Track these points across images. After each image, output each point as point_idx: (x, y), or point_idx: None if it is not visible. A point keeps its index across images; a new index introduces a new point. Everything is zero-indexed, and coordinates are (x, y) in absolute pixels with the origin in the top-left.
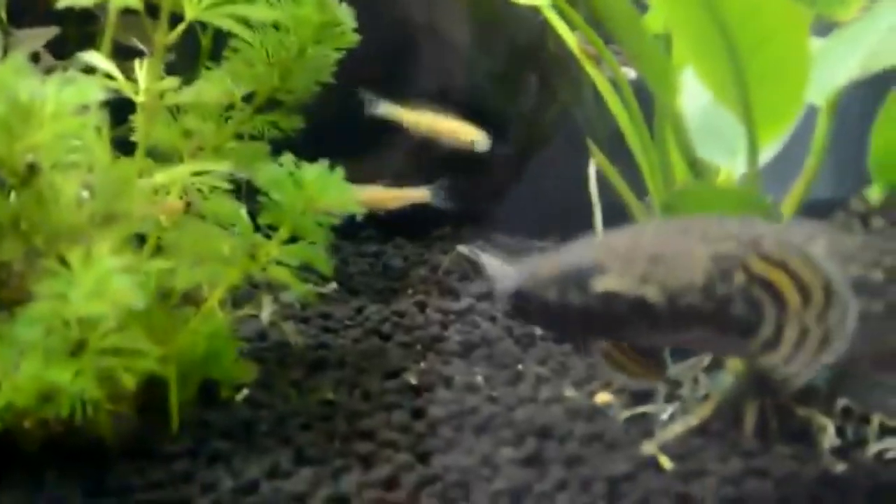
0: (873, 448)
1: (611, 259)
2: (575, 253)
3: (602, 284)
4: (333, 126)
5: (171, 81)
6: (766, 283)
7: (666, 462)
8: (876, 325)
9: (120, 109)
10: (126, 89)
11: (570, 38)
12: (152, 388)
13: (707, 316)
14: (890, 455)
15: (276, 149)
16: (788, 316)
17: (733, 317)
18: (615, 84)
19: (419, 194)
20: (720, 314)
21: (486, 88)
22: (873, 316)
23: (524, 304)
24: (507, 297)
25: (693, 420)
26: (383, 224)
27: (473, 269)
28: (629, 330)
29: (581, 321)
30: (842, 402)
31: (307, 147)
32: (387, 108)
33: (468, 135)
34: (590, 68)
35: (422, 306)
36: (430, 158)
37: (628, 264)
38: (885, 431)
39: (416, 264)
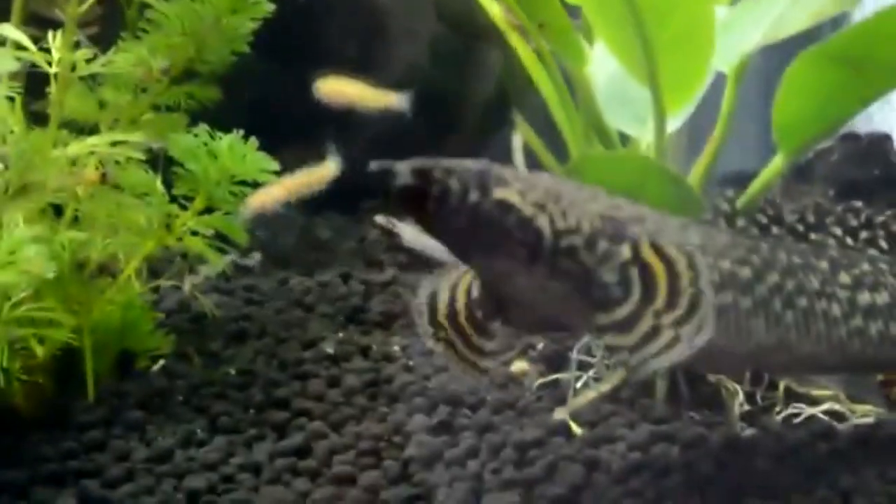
0: (781, 412)
1: (514, 178)
2: (483, 163)
3: (501, 193)
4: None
5: (85, 52)
6: (645, 271)
7: (576, 428)
8: (744, 320)
9: (35, 81)
10: (39, 60)
11: (495, 9)
12: (68, 358)
13: (578, 269)
14: (797, 420)
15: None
16: (650, 310)
17: (601, 283)
18: (540, 54)
19: (323, 172)
20: (591, 274)
21: (420, 62)
22: (742, 311)
23: (420, 191)
24: (408, 178)
25: (605, 387)
26: (313, 197)
27: (392, 240)
28: (507, 254)
29: (468, 225)
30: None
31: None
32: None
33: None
34: (514, 39)
35: (346, 277)
36: (359, 137)
37: (529, 189)
38: (791, 396)
39: (344, 237)
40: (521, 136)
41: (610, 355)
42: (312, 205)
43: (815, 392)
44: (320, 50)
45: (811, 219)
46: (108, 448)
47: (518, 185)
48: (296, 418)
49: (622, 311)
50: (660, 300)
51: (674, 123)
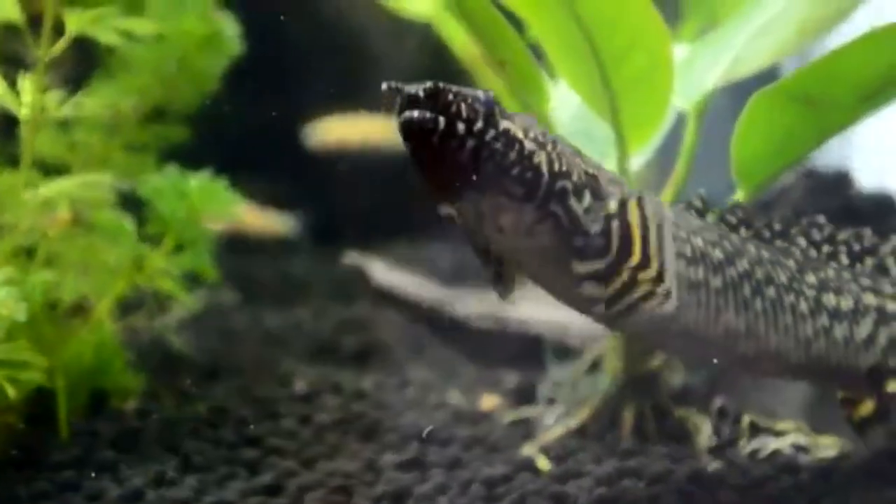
0: (746, 446)
1: (515, 117)
2: (490, 93)
3: (507, 125)
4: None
5: (55, 95)
6: (628, 228)
7: (544, 463)
8: (713, 299)
9: (7, 123)
10: (8, 102)
11: (472, 49)
12: (41, 398)
13: (565, 216)
14: (761, 453)
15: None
16: (628, 265)
17: (585, 232)
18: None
19: (277, 225)
20: (576, 222)
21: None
22: (712, 289)
23: (426, 118)
24: (418, 99)
25: (572, 422)
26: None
27: (360, 277)
28: (502, 190)
29: (470, 155)
30: (718, 401)
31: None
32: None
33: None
34: (492, 77)
35: (318, 313)
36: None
37: (530, 127)
38: (756, 430)
39: (317, 272)
40: None
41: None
42: (286, 241)
43: (780, 426)
44: (294, 84)
45: (777, 227)
46: (81, 488)
47: (519, 120)
48: (267, 456)
49: (601, 263)
50: (637, 256)
51: (637, 161)
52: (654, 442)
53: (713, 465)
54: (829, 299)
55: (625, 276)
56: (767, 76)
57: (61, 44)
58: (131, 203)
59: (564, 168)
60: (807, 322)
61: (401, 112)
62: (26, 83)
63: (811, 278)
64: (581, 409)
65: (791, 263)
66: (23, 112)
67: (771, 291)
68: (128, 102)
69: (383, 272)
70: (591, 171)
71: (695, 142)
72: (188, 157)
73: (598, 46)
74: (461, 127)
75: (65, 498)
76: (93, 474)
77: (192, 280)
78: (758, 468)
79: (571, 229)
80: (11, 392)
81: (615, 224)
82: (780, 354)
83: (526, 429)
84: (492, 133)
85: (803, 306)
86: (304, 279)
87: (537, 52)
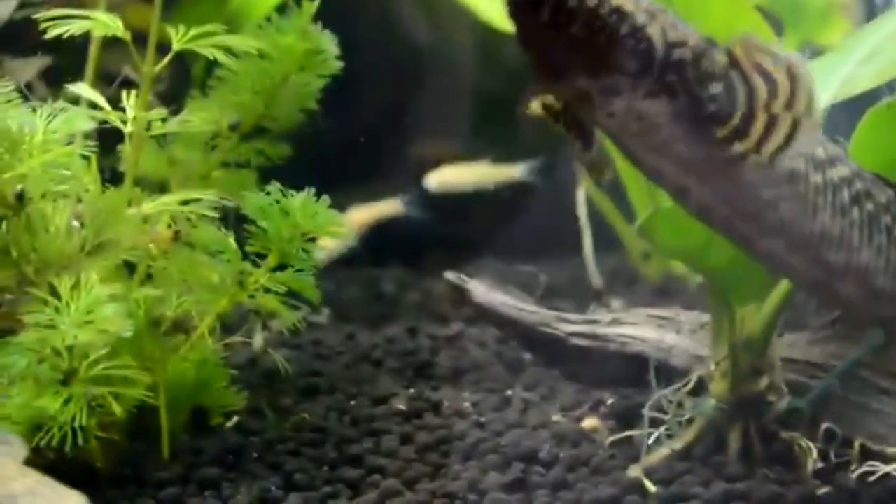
0: (856, 471)
1: None
2: None
3: (616, 1)
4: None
5: (159, 111)
6: (746, 74)
7: (650, 486)
8: (812, 195)
9: (105, 138)
10: (115, 119)
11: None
12: (143, 415)
13: (682, 86)
14: (872, 477)
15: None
16: (760, 104)
17: (712, 96)
18: None
19: (390, 207)
20: (698, 89)
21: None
22: (811, 184)
23: None
24: None
25: (677, 444)
26: (377, 250)
27: (461, 296)
28: (615, 67)
29: (581, 33)
30: (825, 425)
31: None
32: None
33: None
34: None
35: (412, 332)
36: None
37: (638, 1)
38: (867, 454)
39: (409, 290)
40: (584, 190)
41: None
42: (377, 258)
43: (890, 450)
44: (379, 104)
45: None
46: None
47: None
48: (370, 475)
49: (737, 117)
50: (763, 94)
51: None
52: (761, 465)
53: (822, 490)
54: None
55: (762, 116)
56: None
57: (166, 60)
58: (228, 220)
59: (681, 36)
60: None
61: None
62: (131, 99)
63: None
64: (686, 430)
65: (888, 191)
66: (128, 128)
67: (870, 206)
68: (227, 119)
69: (484, 291)
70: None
71: None
72: (282, 175)
73: None
74: (571, 4)
75: None
76: (196, 492)
77: (291, 297)
78: (868, 493)
79: (697, 97)
80: (117, 408)
81: (735, 75)
82: (868, 274)
83: (630, 450)
84: (604, 9)
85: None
86: (395, 298)
87: None
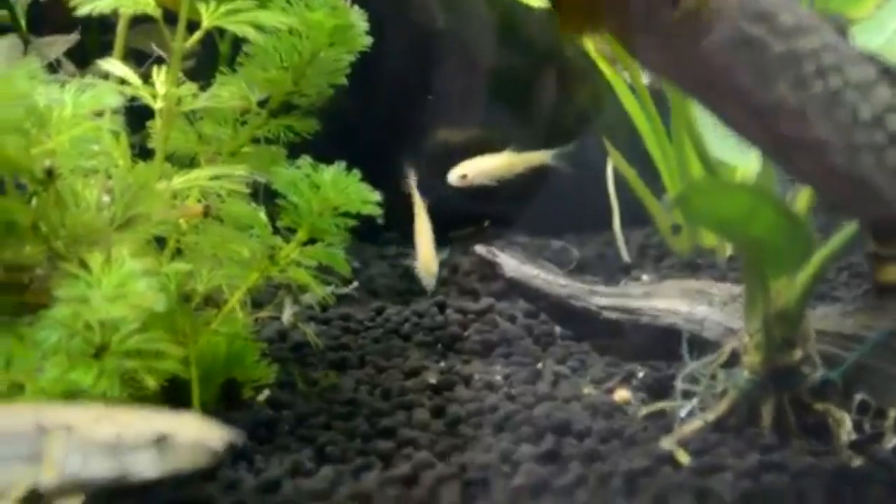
0: (890, 442)
1: None
2: None
3: None
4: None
5: (189, 87)
6: None
7: (684, 457)
8: (772, 64)
9: (134, 115)
10: (144, 95)
11: (587, 40)
12: (175, 388)
13: None
14: None
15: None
16: None
17: None
18: (632, 86)
19: (540, 157)
20: None
21: (507, 90)
22: (774, 53)
23: None
24: None
25: (710, 416)
26: (403, 226)
27: (492, 270)
28: None
29: None
30: (859, 396)
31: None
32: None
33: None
34: (606, 69)
35: (441, 307)
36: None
37: None
38: None
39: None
40: (612, 164)
41: None
42: (404, 233)
43: None
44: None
45: None
46: (217, 478)
47: None
48: (402, 448)
49: None
50: None
51: None
52: (795, 437)
53: (856, 461)
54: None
55: None
56: None
57: (196, 36)
58: (258, 195)
59: None
60: (862, 130)
61: None
62: (161, 75)
63: (884, 92)
64: (718, 402)
65: (869, 70)
66: (158, 104)
67: (836, 81)
68: (257, 95)
69: (515, 264)
70: None
71: None
72: (305, 150)
73: None
74: None
75: (201, 487)
76: (229, 465)
77: (323, 273)
78: None
79: None
80: (150, 382)
81: None
82: (823, 151)
83: (662, 422)
84: None
85: (865, 113)
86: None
87: None
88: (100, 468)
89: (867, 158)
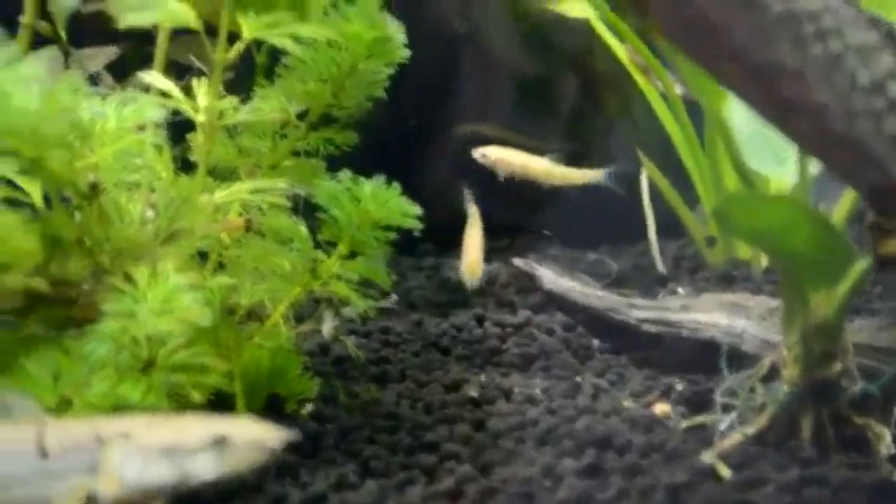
0: None
1: None
2: None
3: None
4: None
5: (231, 100)
6: None
7: (724, 471)
8: (771, 25)
9: (173, 128)
10: (187, 108)
11: (620, 50)
12: (220, 403)
13: None
14: None
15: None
16: None
17: None
18: (665, 96)
19: (593, 175)
20: None
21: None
22: (773, 13)
23: None
24: None
25: (750, 429)
26: (441, 238)
27: (530, 282)
28: None
29: None
30: None
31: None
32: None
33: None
34: (639, 78)
35: (480, 319)
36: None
37: None
38: None
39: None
40: (646, 175)
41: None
42: (441, 246)
43: None
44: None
45: None
46: (263, 492)
47: None
48: (445, 461)
49: None
50: None
51: (816, 165)
52: (835, 450)
53: None
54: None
55: None
56: None
57: (237, 49)
58: (298, 209)
59: None
60: (861, 95)
61: None
62: (202, 88)
63: (887, 59)
64: (758, 416)
65: (871, 35)
66: (200, 117)
67: (836, 45)
68: (296, 108)
69: (552, 276)
70: None
71: None
72: (343, 164)
73: None
74: None
75: (248, 501)
76: (274, 479)
77: (362, 285)
78: None
79: None
80: (196, 396)
81: None
82: (822, 114)
83: (702, 436)
84: None
85: (864, 80)
86: (458, 283)
87: None
88: (159, 473)
89: (866, 124)
